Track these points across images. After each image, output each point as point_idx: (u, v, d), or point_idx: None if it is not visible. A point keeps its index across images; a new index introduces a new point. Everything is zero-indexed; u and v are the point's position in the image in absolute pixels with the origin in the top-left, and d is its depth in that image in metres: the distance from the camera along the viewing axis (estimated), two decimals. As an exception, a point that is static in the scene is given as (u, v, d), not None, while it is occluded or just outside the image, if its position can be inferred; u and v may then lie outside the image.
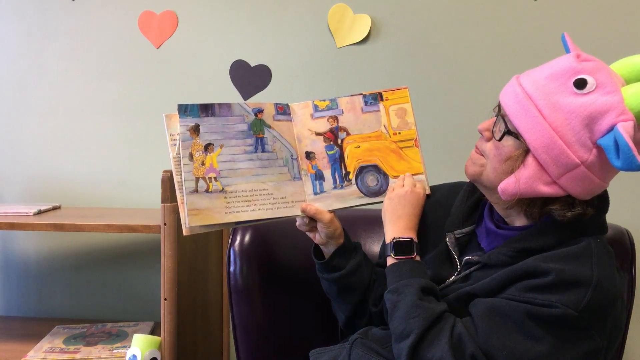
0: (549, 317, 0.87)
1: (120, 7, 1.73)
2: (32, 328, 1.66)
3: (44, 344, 1.51)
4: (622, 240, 1.28)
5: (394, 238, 1.08)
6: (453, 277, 1.05)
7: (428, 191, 1.21)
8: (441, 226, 1.13)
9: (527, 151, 0.93)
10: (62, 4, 1.75)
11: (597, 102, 0.87)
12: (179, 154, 1.10)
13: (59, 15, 1.75)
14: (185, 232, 1.08)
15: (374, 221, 1.45)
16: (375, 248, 1.39)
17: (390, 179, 1.19)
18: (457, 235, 1.09)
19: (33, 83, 1.78)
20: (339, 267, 1.18)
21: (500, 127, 0.97)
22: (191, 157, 1.09)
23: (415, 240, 1.09)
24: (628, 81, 0.92)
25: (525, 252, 0.96)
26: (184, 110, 1.11)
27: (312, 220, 1.16)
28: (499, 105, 1.00)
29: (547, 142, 0.89)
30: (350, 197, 1.18)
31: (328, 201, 1.17)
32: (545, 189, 0.92)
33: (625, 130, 0.84)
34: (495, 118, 1.00)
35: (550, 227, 0.96)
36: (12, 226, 1.39)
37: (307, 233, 1.19)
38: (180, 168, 1.09)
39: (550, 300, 0.87)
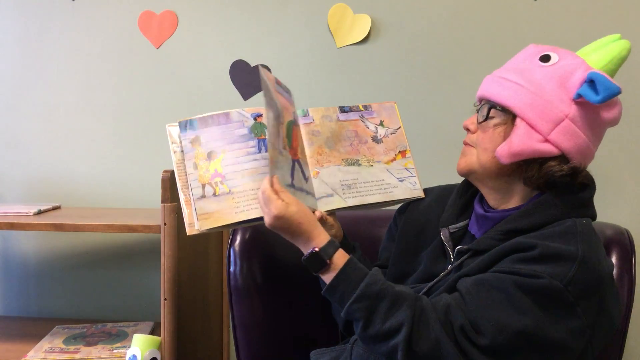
0: (536, 287, 0.88)
1: (120, 7, 1.73)
2: (32, 328, 1.66)
3: (44, 344, 1.51)
4: (622, 240, 1.28)
5: (302, 260, 0.99)
6: (446, 271, 1.05)
7: (422, 195, 1.23)
8: (435, 226, 1.14)
9: (513, 118, 0.98)
10: (62, 4, 1.75)
11: (565, 66, 0.97)
12: (182, 160, 1.12)
13: (59, 15, 1.75)
14: (188, 232, 1.08)
15: (374, 221, 1.46)
16: (375, 248, 1.39)
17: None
18: (452, 230, 1.10)
19: (33, 83, 1.78)
20: None
21: (483, 112, 1.03)
22: (195, 166, 1.11)
23: (318, 247, 0.97)
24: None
25: (512, 233, 0.97)
26: (184, 126, 1.13)
27: None
28: (479, 101, 1.07)
29: (531, 102, 0.96)
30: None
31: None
32: (540, 146, 0.96)
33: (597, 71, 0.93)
34: (477, 113, 1.06)
35: (536, 209, 0.98)
36: (12, 226, 1.39)
37: None
38: (183, 173, 1.11)
39: (537, 270, 0.88)
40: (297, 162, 1.11)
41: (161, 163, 1.68)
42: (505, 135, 0.99)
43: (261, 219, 1.09)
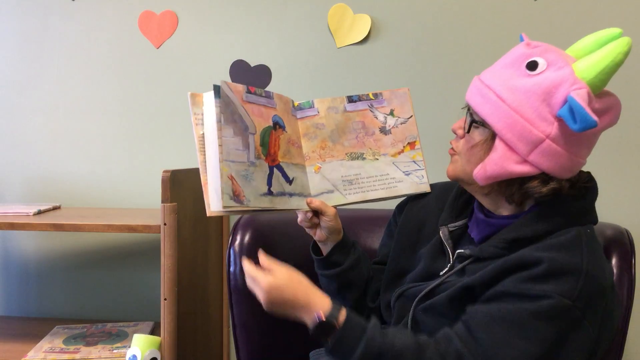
0: (547, 310, 0.87)
1: (120, 7, 1.73)
2: (32, 328, 1.66)
3: (44, 344, 1.51)
4: (622, 240, 1.28)
5: (311, 333, 0.95)
6: (445, 270, 1.05)
7: (428, 189, 1.22)
8: (434, 223, 1.14)
9: (493, 136, 0.96)
10: (62, 4, 1.75)
11: (550, 78, 0.92)
12: (204, 134, 1.06)
13: (59, 15, 1.75)
14: (209, 214, 1.04)
15: (374, 221, 1.46)
16: (375, 247, 1.39)
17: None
18: (451, 229, 1.10)
19: (33, 83, 1.78)
20: (338, 263, 1.19)
21: (467, 120, 1.02)
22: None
23: (324, 313, 0.93)
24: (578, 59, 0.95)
25: (516, 243, 0.96)
26: (218, 91, 1.05)
27: (314, 216, 1.16)
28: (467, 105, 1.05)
29: (510, 122, 0.93)
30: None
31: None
32: (517, 168, 0.94)
33: (578, 95, 0.87)
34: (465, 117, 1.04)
35: (539, 217, 0.97)
36: (12, 226, 1.39)
37: (307, 230, 1.19)
38: (204, 148, 1.05)
39: (546, 290, 0.88)
40: (276, 168, 1.10)
41: (161, 163, 1.69)
42: (484, 154, 0.97)
43: (272, 209, 1.09)
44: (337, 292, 1.21)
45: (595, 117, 0.86)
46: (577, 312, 0.88)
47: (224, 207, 1.01)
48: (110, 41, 1.75)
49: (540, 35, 1.59)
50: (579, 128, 0.87)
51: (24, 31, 1.77)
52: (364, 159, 1.21)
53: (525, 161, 0.94)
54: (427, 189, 1.22)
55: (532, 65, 0.94)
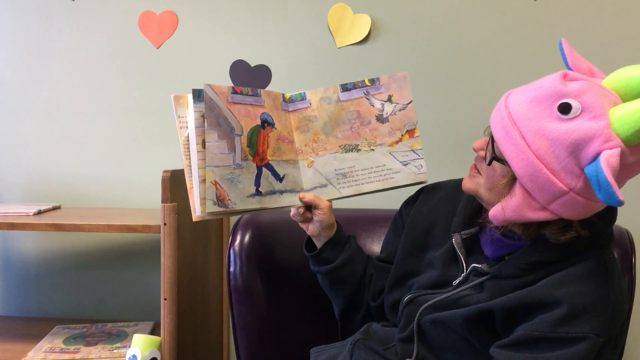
0: (583, 354, 0.88)
1: (120, 7, 1.73)
2: (32, 328, 1.66)
3: (44, 344, 1.51)
4: (622, 240, 1.28)
5: None
6: (458, 279, 1.04)
7: (426, 179, 1.20)
8: (447, 224, 1.11)
9: (514, 178, 0.91)
10: (62, 4, 1.75)
11: (582, 128, 0.83)
12: (188, 137, 1.05)
13: (59, 15, 1.75)
14: (195, 219, 1.05)
15: (374, 221, 1.46)
16: (375, 248, 1.39)
17: None
18: (464, 236, 1.07)
19: (33, 83, 1.78)
20: (329, 260, 1.18)
21: (489, 151, 0.96)
22: (204, 144, 1.04)
23: None
24: (623, 97, 0.87)
25: (538, 265, 0.95)
26: (198, 95, 1.05)
27: (307, 211, 1.16)
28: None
29: (532, 171, 0.86)
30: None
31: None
32: (535, 215, 0.90)
33: (607, 161, 0.80)
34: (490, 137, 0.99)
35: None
36: (12, 226, 1.39)
37: (300, 224, 1.19)
38: (189, 152, 1.05)
39: (581, 331, 0.88)
40: (264, 167, 1.10)
41: (161, 163, 1.68)
42: (504, 193, 0.92)
43: (262, 208, 1.09)
44: (329, 288, 1.22)
45: (621, 198, 0.79)
46: (602, 345, 0.89)
47: (207, 212, 1.02)
48: (110, 41, 1.75)
49: (540, 36, 1.59)
50: (602, 199, 0.82)
51: (24, 31, 1.77)
52: (358, 150, 1.18)
53: (544, 208, 0.89)
54: (425, 178, 1.19)
55: (564, 109, 0.84)
